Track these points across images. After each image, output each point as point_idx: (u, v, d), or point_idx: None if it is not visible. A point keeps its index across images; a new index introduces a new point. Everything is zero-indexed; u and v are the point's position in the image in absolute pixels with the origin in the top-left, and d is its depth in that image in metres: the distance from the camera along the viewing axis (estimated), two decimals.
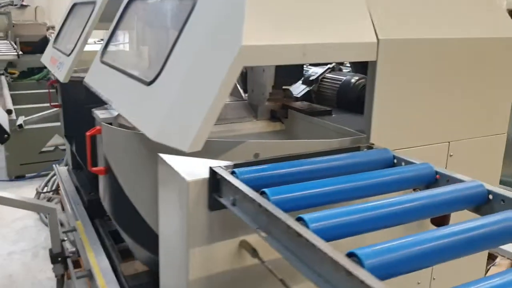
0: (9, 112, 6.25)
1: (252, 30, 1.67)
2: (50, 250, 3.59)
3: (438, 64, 2.12)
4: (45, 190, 6.26)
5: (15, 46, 10.13)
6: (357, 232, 1.28)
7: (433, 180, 1.69)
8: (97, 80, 2.76)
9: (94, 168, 2.37)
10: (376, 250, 1.07)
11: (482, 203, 1.54)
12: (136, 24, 2.84)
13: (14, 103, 7.50)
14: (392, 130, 2.07)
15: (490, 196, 1.53)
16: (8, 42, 10.84)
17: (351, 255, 1.08)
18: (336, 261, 1.05)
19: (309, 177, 1.59)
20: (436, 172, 1.69)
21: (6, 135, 2.46)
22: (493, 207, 1.51)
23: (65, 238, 3.82)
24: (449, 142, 2.28)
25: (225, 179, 1.56)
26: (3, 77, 9.27)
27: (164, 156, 1.86)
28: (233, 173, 1.60)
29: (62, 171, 4.64)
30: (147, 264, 2.58)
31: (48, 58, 4.07)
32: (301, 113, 2.60)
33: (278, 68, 2.80)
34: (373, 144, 1.99)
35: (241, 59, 1.64)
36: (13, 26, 11.25)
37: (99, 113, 2.38)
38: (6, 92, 7.85)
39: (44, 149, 7.27)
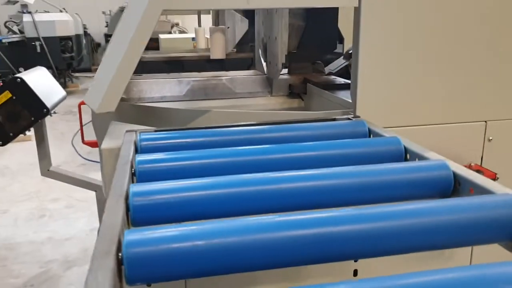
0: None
1: None
2: (99, 228, 3.61)
3: (453, 14, 1.59)
4: None
5: None
6: (204, 215, 0.92)
7: (401, 157, 1.24)
8: None
9: (86, 141, 2.25)
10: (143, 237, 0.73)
11: (447, 191, 1.07)
12: None
13: None
14: (385, 102, 1.61)
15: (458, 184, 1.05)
16: None
17: None
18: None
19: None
20: (405, 148, 1.24)
21: (45, 110, 2.47)
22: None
23: None
24: (485, 121, 1.72)
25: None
26: None
27: (114, 123, 1.68)
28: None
29: None
30: None
31: None
32: (317, 88, 2.21)
33: (305, 38, 2.43)
34: (357, 116, 1.56)
35: (157, 2, 1.35)
36: None
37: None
38: None
39: None
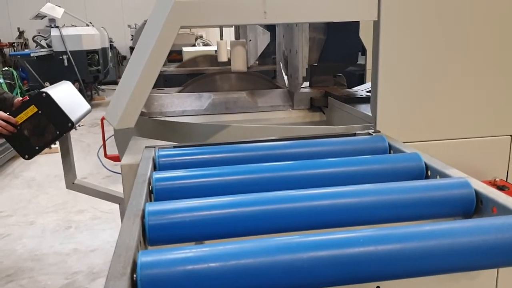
0: None
1: None
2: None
3: (475, 27, 1.56)
4: None
5: None
6: (222, 234, 0.91)
7: (422, 174, 1.21)
8: None
9: (109, 155, 2.28)
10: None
11: (469, 210, 1.04)
12: None
13: None
14: (406, 117, 1.58)
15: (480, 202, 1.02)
16: None
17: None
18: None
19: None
20: (426, 165, 1.21)
21: (70, 124, 2.51)
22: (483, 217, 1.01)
23: None
24: (511, 136, 1.68)
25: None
26: None
27: (135, 138, 1.70)
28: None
29: None
30: None
31: None
32: (338, 101, 2.19)
33: (326, 51, 2.42)
34: (377, 131, 1.54)
35: (175, 19, 1.37)
36: None
37: None
38: None
39: None
